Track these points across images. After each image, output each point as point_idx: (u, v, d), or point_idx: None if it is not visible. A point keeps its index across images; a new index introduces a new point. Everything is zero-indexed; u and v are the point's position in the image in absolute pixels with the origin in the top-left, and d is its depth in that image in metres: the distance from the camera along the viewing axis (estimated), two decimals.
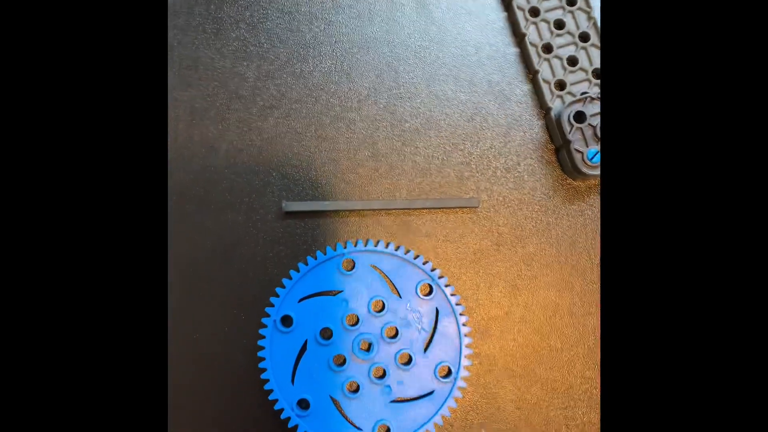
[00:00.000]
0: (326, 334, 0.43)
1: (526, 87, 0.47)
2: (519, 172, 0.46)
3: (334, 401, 0.43)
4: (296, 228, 0.45)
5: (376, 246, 0.44)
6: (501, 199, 0.46)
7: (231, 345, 0.44)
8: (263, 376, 0.43)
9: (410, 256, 0.44)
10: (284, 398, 0.42)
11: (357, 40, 0.47)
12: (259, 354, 0.43)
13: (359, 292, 0.44)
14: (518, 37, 0.48)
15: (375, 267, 0.44)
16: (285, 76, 0.47)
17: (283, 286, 0.43)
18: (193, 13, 0.47)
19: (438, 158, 0.46)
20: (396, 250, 0.44)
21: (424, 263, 0.44)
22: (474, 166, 0.46)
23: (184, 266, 0.44)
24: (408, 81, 0.47)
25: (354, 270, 0.44)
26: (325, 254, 0.44)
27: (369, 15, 0.48)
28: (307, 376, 0.43)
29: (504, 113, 0.47)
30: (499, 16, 0.48)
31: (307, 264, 0.44)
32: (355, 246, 0.44)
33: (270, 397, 0.42)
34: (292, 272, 0.44)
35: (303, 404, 0.43)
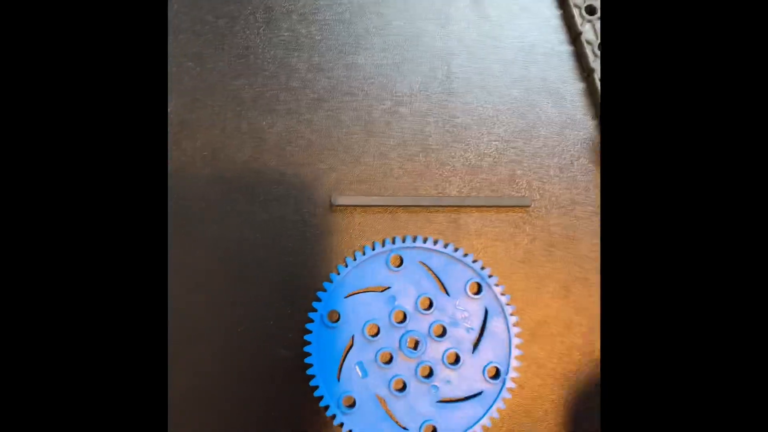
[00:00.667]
0: (373, 330, 0.43)
1: (581, 86, 0.46)
2: (572, 172, 0.46)
3: (380, 399, 0.42)
4: (344, 222, 0.44)
5: (425, 243, 0.43)
6: (553, 199, 0.45)
7: (277, 339, 0.43)
8: (309, 371, 0.42)
9: (459, 253, 0.43)
10: (330, 395, 0.42)
11: (409, 33, 0.47)
12: (305, 349, 0.42)
13: (407, 289, 0.43)
14: (573, 35, 0.47)
15: (423, 264, 0.43)
16: (335, 68, 0.46)
17: (331, 281, 0.43)
18: (244, 2, 0.47)
19: (489, 155, 0.46)
20: (445, 247, 0.43)
21: (473, 261, 0.43)
22: (526, 165, 0.46)
23: (231, 258, 0.44)
24: (460, 76, 0.46)
25: (402, 266, 0.43)
26: (373, 249, 0.43)
27: (422, 8, 0.47)
28: (353, 372, 0.42)
29: (558, 111, 0.46)
30: (554, 13, 0.48)
31: (354, 259, 0.43)
32: (404, 242, 0.43)
33: (315, 393, 0.42)
34: (339, 267, 0.43)
35: (349, 401, 0.42)
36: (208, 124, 0.45)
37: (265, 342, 0.43)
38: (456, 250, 0.43)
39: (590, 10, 0.46)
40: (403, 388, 0.42)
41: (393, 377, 0.42)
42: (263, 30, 0.47)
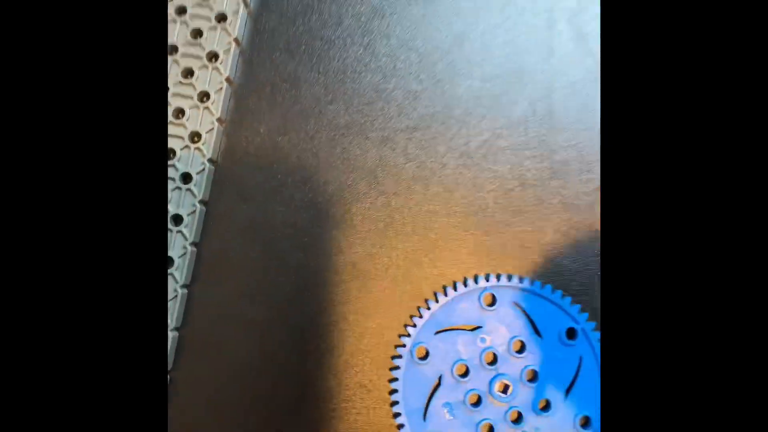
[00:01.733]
0: (462, 370, 0.41)
1: None
2: None
3: None
4: (434, 255, 0.43)
5: (520, 282, 0.42)
6: None
7: (364, 374, 0.42)
8: (395, 409, 0.41)
9: (557, 296, 0.42)
10: None
11: (510, 65, 0.46)
12: (392, 385, 0.41)
13: (498, 330, 0.42)
14: None
15: (517, 304, 0.42)
16: (432, 97, 0.46)
17: (420, 316, 0.42)
18: (342, 24, 0.47)
19: (588, 195, 0.44)
20: (542, 288, 0.42)
21: (571, 305, 0.42)
22: None
23: (317, 285, 0.43)
24: (561, 111, 0.45)
25: (494, 305, 0.42)
26: (465, 286, 0.42)
27: (524, 40, 0.46)
28: (440, 412, 0.41)
29: None
30: None
31: (445, 294, 0.42)
32: (498, 280, 0.42)
33: (401, 431, 0.41)
34: (429, 302, 0.42)
35: None
36: (301, 147, 0.44)
37: (354, 378, 0.42)
38: (554, 292, 0.41)
39: None
40: None
41: (481, 421, 0.41)
42: (360, 54, 0.46)
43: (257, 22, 0.47)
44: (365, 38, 0.46)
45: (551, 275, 0.43)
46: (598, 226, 0.43)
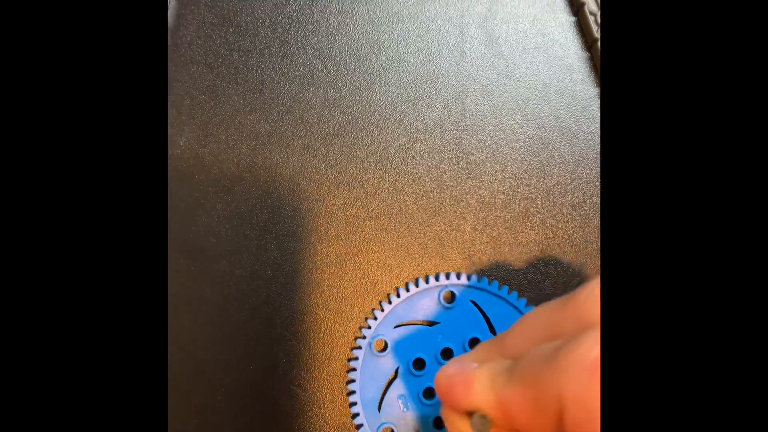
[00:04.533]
0: (419, 364, 0.42)
1: (593, 125, 0.48)
2: (585, 210, 0.46)
3: None
4: (359, 258, 0.44)
5: (479, 282, 0.43)
6: (566, 237, 0.46)
7: (321, 365, 0.42)
8: (351, 398, 0.41)
9: (513, 297, 0.43)
10: (369, 424, 0.41)
11: (424, 71, 0.47)
12: (350, 375, 0.42)
13: (456, 327, 0.43)
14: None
15: (474, 303, 0.43)
16: (351, 104, 0.46)
17: (382, 309, 0.42)
18: (259, 35, 0.46)
19: (503, 192, 0.46)
20: (499, 289, 0.43)
21: (526, 306, 0.43)
22: (540, 203, 0.46)
23: (243, 295, 0.43)
24: (475, 113, 0.47)
25: (453, 303, 0.43)
26: (426, 283, 0.43)
27: (437, 46, 0.48)
28: (395, 404, 0.41)
29: (570, 150, 0.47)
30: (566, 52, 0.49)
31: (408, 290, 0.43)
32: (458, 279, 0.43)
33: (355, 420, 0.41)
34: (391, 296, 0.43)
35: None
36: (222, 158, 0.44)
37: (311, 368, 0.41)
38: (510, 293, 0.43)
39: None
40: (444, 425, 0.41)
41: (434, 415, 0.41)
42: (278, 64, 0.46)
43: (174, 36, 0.46)
44: (282, 48, 0.46)
45: (502, 274, 0.44)
46: (512, 223, 0.45)
